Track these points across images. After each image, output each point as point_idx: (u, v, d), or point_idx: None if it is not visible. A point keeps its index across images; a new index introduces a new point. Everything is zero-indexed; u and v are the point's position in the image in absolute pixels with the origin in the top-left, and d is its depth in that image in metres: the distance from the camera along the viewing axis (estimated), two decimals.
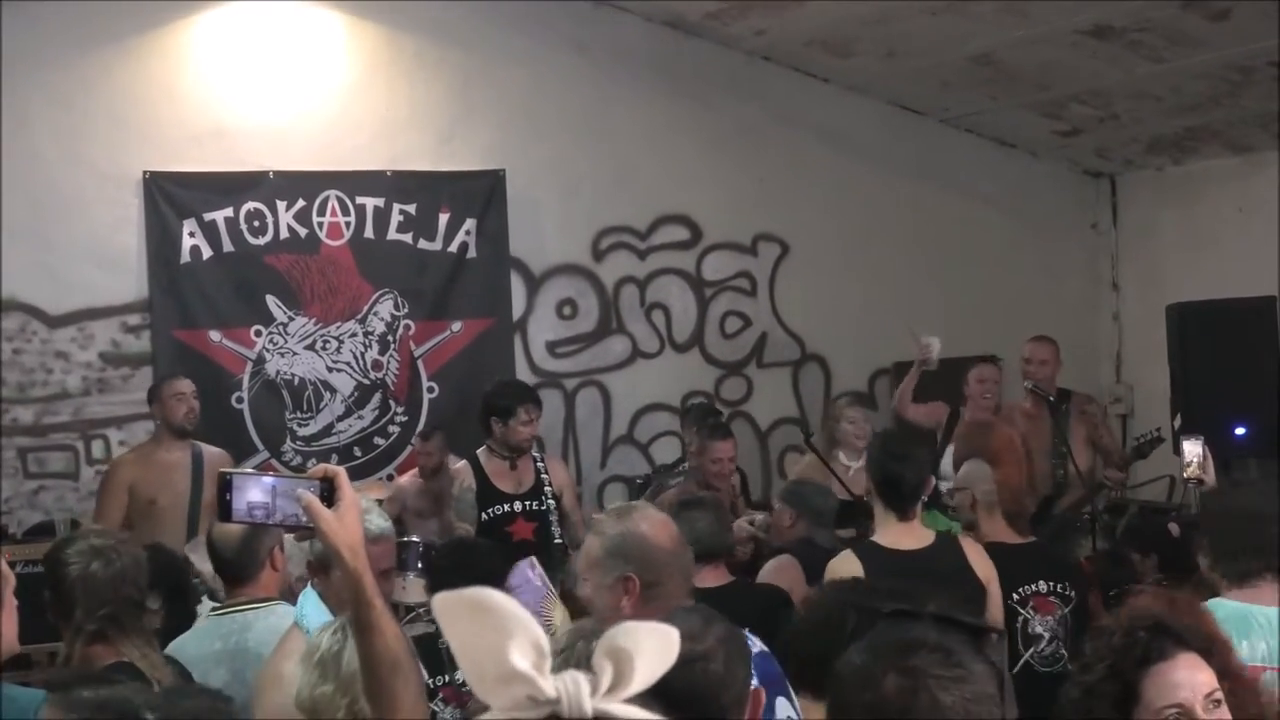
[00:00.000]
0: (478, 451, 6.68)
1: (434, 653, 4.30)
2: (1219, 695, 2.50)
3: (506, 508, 6.50)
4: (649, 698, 2.58)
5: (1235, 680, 2.90)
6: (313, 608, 3.75)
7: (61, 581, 3.52)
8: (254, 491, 2.38)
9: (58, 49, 7.64)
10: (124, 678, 3.00)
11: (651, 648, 1.00)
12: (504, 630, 0.95)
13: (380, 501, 5.18)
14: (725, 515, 5.19)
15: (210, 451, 6.82)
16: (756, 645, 3.17)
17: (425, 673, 4.17)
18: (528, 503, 6.55)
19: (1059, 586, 5.00)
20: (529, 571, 5.76)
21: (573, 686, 0.95)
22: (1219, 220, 8.85)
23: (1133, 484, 8.81)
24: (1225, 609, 3.63)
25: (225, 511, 2.40)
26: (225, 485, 2.38)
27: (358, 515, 2.36)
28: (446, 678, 4.42)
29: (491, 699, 0.95)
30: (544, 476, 6.64)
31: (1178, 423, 7.19)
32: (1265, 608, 3.65)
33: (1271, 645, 3.57)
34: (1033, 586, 4.93)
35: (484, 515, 6.47)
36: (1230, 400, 7.23)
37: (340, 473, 2.36)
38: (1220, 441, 6.98)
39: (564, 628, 5.29)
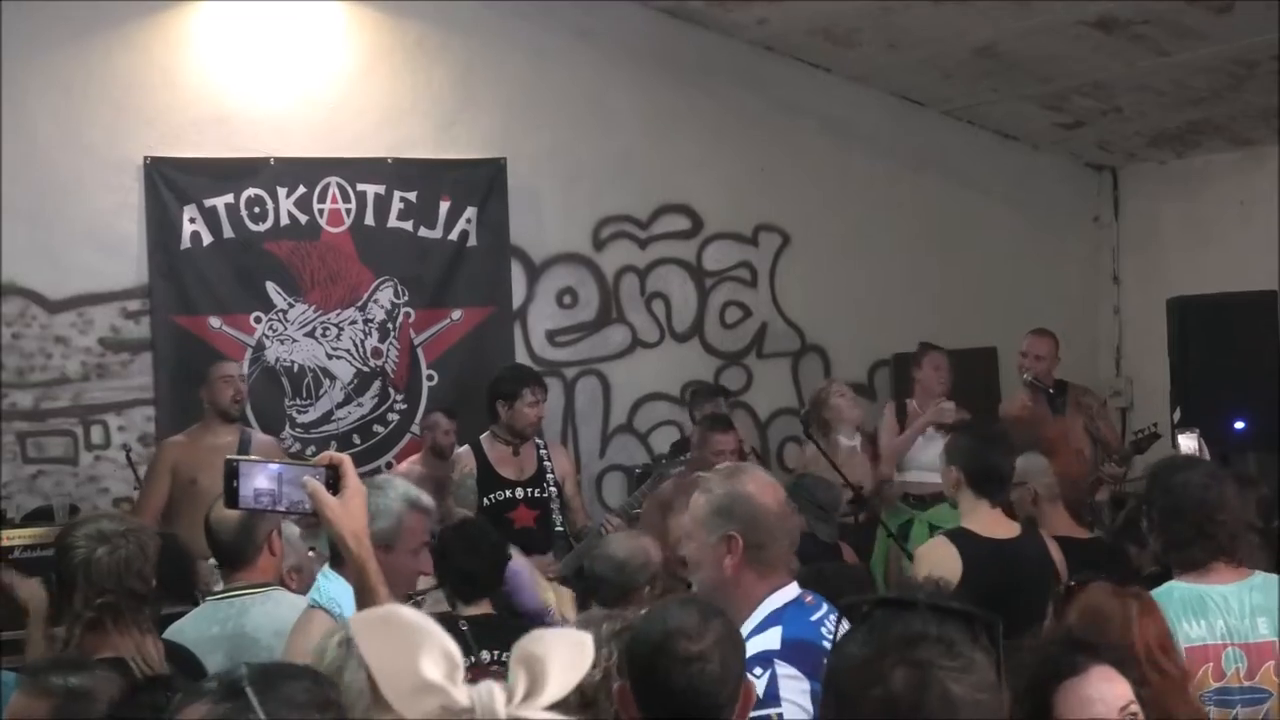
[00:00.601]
0: (481, 437, 6.68)
1: (455, 634, 4.30)
2: (1135, 708, 2.47)
3: (508, 494, 6.50)
4: (650, 696, 2.56)
5: (1163, 681, 2.91)
6: (337, 588, 3.73)
7: (66, 565, 3.50)
8: (260, 478, 2.39)
9: (58, 34, 7.62)
10: (105, 668, 2.98)
11: (565, 655, 0.99)
12: (414, 643, 0.96)
13: None
14: None
15: (260, 438, 6.90)
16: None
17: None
18: (530, 489, 6.54)
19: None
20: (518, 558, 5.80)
21: (486, 696, 0.95)
22: (1221, 214, 8.85)
23: (1132, 477, 8.82)
24: (1180, 591, 3.67)
25: (232, 498, 2.42)
26: (232, 472, 2.40)
27: (362, 502, 2.37)
28: (472, 658, 4.43)
29: (408, 710, 0.95)
30: (547, 464, 6.64)
31: (1177, 416, 7.19)
32: (1219, 586, 3.69)
33: (1229, 622, 3.60)
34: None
35: (485, 500, 6.47)
36: (1230, 394, 7.23)
37: (345, 460, 2.37)
38: (1220, 435, 6.98)
39: (560, 608, 5.34)
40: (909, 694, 1.76)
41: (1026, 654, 2.56)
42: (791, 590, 3.22)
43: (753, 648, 2.94)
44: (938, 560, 4.33)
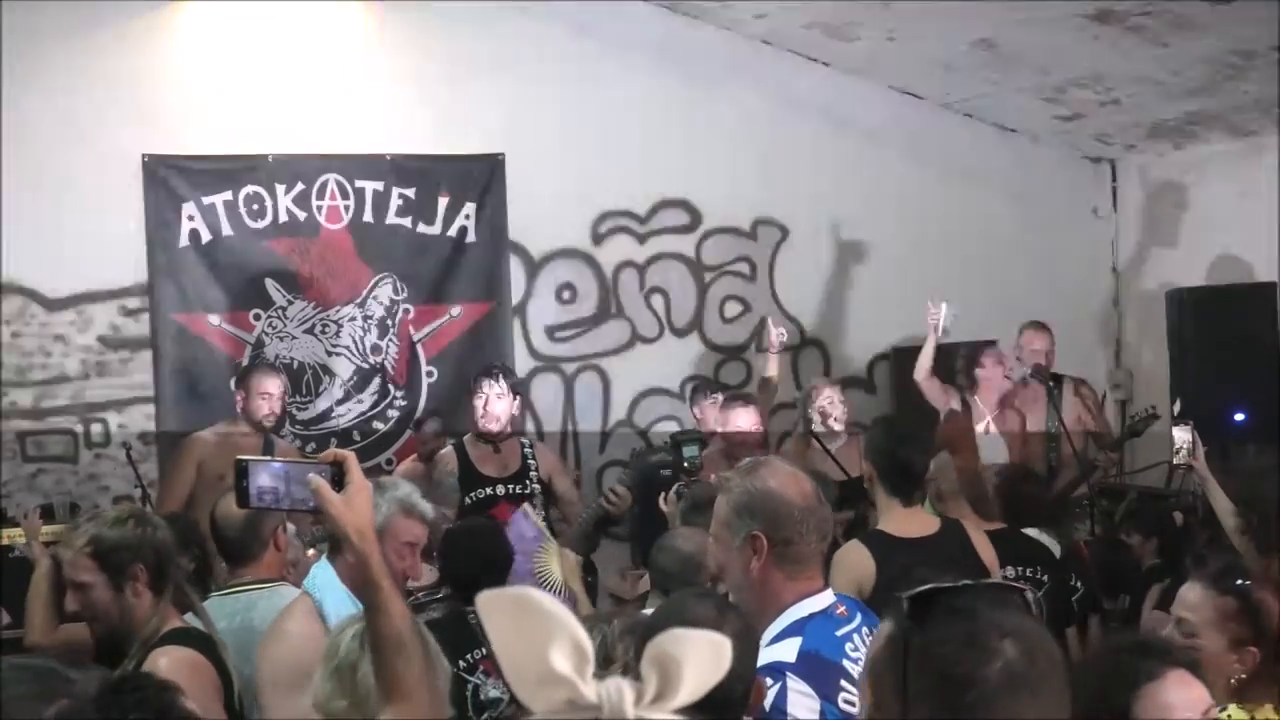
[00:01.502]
0: (464, 437, 6.76)
1: (465, 628, 4.34)
2: (1215, 712, 2.47)
3: (489, 491, 6.57)
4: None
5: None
6: (325, 578, 3.78)
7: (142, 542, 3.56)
8: (265, 477, 2.42)
9: (57, 31, 7.60)
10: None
11: (702, 657, 0.96)
12: (546, 631, 0.93)
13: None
14: None
15: (282, 445, 6.99)
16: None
17: (459, 648, 4.22)
18: (511, 486, 6.61)
19: (1028, 571, 4.98)
20: (523, 520, 5.82)
21: (615, 694, 0.92)
22: (1220, 205, 8.85)
23: (1131, 469, 8.83)
24: None
25: (243, 497, 2.43)
26: (242, 471, 2.42)
27: (367, 499, 2.38)
28: (484, 650, 4.43)
29: (531, 701, 0.93)
30: (530, 461, 6.68)
31: (1177, 408, 7.20)
32: None
33: None
34: (1002, 572, 4.91)
35: (468, 499, 6.52)
36: (1229, 385, 7.24)
37: (350, 456, 2.38)
38: (1219, 427, 7.00)
39: (561, 576, 5.37)
40: (1023, 659, 1.77)
41: (1094, 661, 2.55)
42: (824, 599, 3.05)
43: (767, 657, 2.82)
44: (851, 564, 4.27)
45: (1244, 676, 3.06)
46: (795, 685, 2.81)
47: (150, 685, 2.07)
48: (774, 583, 2.99)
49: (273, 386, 6.93)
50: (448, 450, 6.74)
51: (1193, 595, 3.16)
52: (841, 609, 3.07)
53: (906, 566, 4.07)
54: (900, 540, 4.37)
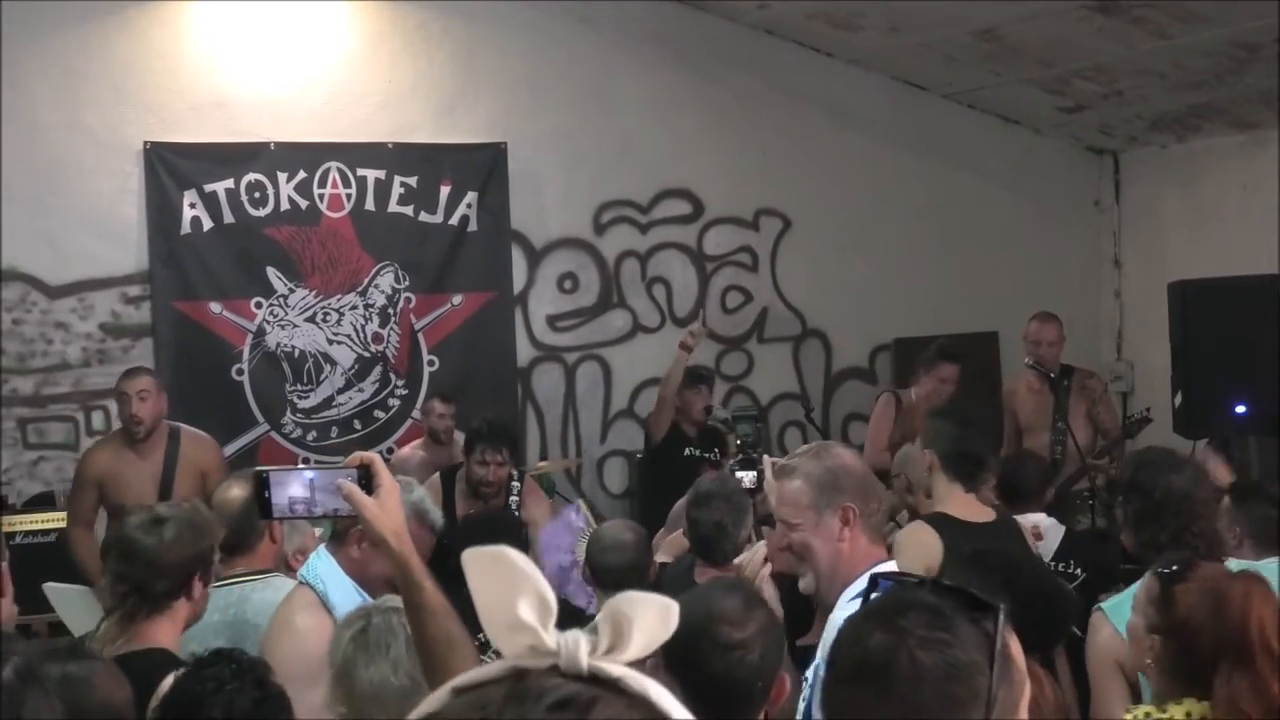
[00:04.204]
0: (456, 475, 6.54)
1: (472, 614, 4.35)
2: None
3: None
4: (685, 679, 2.58)
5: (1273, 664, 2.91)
6: (327, 569, 3.77)
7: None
8: (294, 487, 2.41)
9: (59, 19, 7.60)
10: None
11: (649, 617, 1.07)
12: (516, 585, 1.05)
13: None
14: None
15: (190, 431, 6.57)
16: None
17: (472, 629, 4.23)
18: None
19: (1061, 565, 4.99)
20: (573, 515, 5.78)
21: (572, 644, 1.03)
22: (1222, 198, 8.84)
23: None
24: (1268, 571, 3.66)
25: (265, 509, 2.42)
26: (263, 483, 2.40)
27: (398, 500, 2.39)
28: (482, 636, 4.44)
29: (501, 645, 1.05)
30: (512, 501, 6.34)
31: (1178, 400, 7.18)
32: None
33: None
34: None
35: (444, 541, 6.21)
36: (1231, 379, 7.21)
37: (376, 459, 2.38)
38: (1220, 420, 6.99)
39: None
40: (879, 656, 1.82)
41: None
42: (892, 565, 3.22)
43: (848, 610, 2.93)
44: (917, 545, 4.28)
45: (1149, 663, 3.09)
46: None
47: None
48: (859, 549, 3.17)
49: (128, 386, 6.43)
50: (435, 481, 6.44)
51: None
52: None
53: (972, 548, 4.14)
54: (966, 524, 4.40)
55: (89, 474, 6.45)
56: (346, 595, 3.70)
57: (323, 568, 3.83)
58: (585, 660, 1.03)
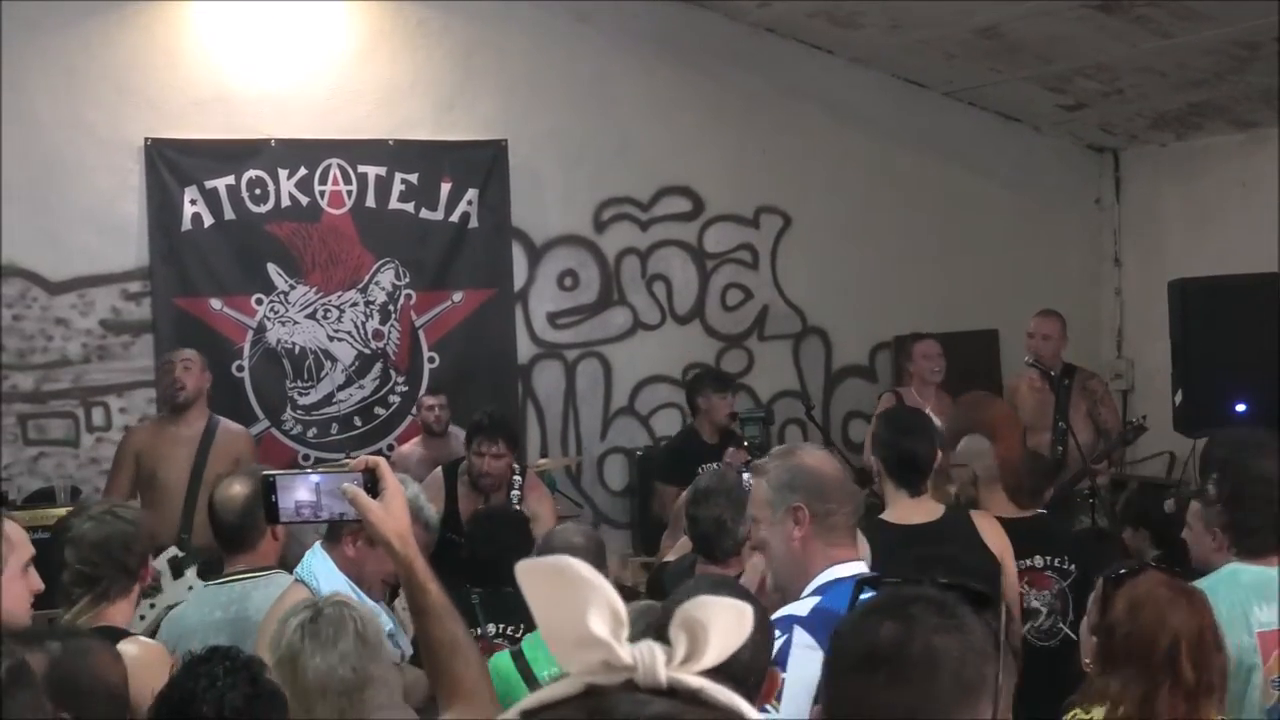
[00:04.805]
0: (458, 469, 6.50)
1: (467, 608, 4.39)
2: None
3: (455, 536, 5.92)
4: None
5: (1195, 680, 2.93)
6: (322, 566, 3.78)
7: (58, 542, 3.58)
8: (301, 491, 2.42)
9: (59, 15, 7.59)
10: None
11: (725, 622, 1.01)
12: (583, 597, 0.98)
13: None
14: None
15: (231, 427, 6.76)
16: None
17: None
18: None
19: (1056, 561, 4.99)
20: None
21: (648, 655, 0.97)
22: (1222, 196, 8.84)
23: (1132, 459, 8.83)
24: (1248, 574, 3.65)
25: (272, 513, 2.43)
26: (269, 487, 2.42)
27: (403, 503, 2.39)
28: (478, 630, 4.48)
29: (569, 663, 0.98)
30: (517, 508, 6.22)
31: (1178, 398, 7.19)
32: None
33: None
34: (1028, 561, 4.92)
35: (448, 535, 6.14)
36: (1231, 377, 7.22)
37: (381, 462, 2.39)
38: (1220, 418, 7.00)
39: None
40: (891, 644, 1.83)
41: None
42: (853, 566, 3.21)
43: (783, 612, 2.99)
44: None
45: (1088, 662, 3.11)
46: (800, 638, 2.96)
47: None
48: (813, 551, 3.19)
49: (173, 355, 6.74)
50: (436, 479, 6.41)
51: None
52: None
53: (904, 552, 4.16)
54: (899, 527, 4.39)
55: (128, 447, 6.68)
56: (335, 586, 3.70)
57: (318, 565, 3.84)
58: (664, 673, 0.97)
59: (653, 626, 2.68)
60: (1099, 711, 2.98)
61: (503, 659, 4.00)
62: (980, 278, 9.34)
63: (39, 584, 3.17)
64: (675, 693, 0.97)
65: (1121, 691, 2.92)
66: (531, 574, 1.00)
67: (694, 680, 0.98)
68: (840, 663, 1.89)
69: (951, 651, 1.82)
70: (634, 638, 0.99)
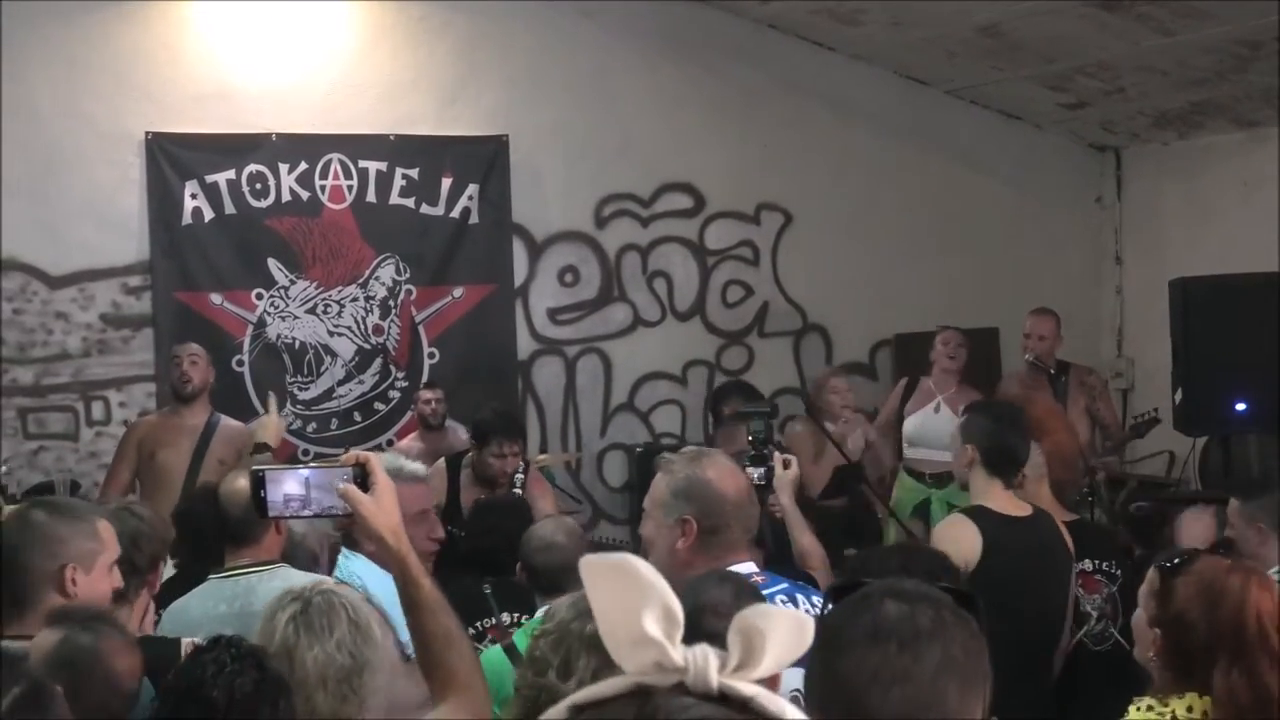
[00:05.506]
0: (463, 462, 6.48)
1: (480, 598, 4.39)
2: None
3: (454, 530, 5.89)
4: None
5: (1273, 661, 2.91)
6: (361, 566, 3.73)
7: None
8: (290, 485, 2.41)
9: (60, 8, 7.58)
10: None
11: (784, 632, 1.01)
12: (641, 597, 0.98)
13: None
14: None
15: (230, 424, 6.75)
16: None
17: (471, 615, 4.23)
18: None
19: (1104, 565, 4.96)
20: None
21: (701, 660, 0.97)
22: (1223, 195, 8.84)
23: (1132, 459, 8.83)
24: None
25: (261, 507, 2.42)
26: (259, 481, 2.40)
27: (393, 497, 2.39)
28: (493, 620, 4.48)
29: (624, 661, 0.99)
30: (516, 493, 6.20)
31: (1179, 397, 7.19)
32: None
33: None
34: (1079, 565, 4.85)
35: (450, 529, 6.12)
36: (1231, 376, 7.21)
37: (371, 457, 2.40)
38: (1221, 417, 7.00)
39: None
40: (897, 617, 1.79)
41: None
42: (743, 568, 3.21)
43: None
44: (956, 538, 4.25)
45: (1151, 657, 3.09)
46: None
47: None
48: (697, 564, 3.15)
49: (179, 350, 6.86)
50: (439, 471, 6.35)
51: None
52: (760, 577, 3.24)
53: (1011, 541, 4.21)
54: (1004, 517, 4.39)
55: (132, 435, 6.83)
56: (385, 586, 3.63)
57: (356, 566, 3.77)
58: (716, 678, 0.97)
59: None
60: (1179, 704, 2.94)
61: (495, 653, 3.99)
62: (981, 275, 9.33)
63: (119, 581, 3.21)
64: (726, 699, 0.96)
65: (1224, 680, 2.87)
66: (592, 570, 1.01)
67: (747, 688, 0.97)
68: (838, 641, 1.81)
69: (964, 626, 1.81)
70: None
